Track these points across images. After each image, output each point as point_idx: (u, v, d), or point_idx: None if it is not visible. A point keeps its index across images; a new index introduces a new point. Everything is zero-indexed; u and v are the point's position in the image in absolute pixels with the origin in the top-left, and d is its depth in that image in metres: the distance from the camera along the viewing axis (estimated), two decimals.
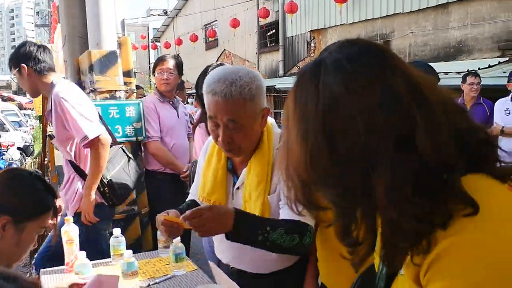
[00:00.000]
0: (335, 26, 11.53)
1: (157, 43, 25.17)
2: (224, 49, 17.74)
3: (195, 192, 2.02)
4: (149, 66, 32.12)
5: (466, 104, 5.80)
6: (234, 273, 1.87)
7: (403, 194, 0.74)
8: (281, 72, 13.84)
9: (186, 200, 2.06)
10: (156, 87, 4.00)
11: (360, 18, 10.63)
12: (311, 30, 12.44)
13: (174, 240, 2.22)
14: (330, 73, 0.79)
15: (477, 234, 0.71)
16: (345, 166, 0.78)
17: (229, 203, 1.84)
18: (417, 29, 9.24)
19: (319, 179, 0.81)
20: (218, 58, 17.97)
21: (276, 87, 11.92)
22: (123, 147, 3.23)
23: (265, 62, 14.91)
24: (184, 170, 3.90)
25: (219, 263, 1.98)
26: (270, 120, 1.84)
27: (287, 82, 12.01)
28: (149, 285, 2.18)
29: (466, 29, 8.26)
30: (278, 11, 13.67)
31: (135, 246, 2.49)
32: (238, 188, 1.83)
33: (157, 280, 2.21)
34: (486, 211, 0.72)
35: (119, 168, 3.05)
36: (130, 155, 3.23)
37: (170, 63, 3.88)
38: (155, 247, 2.71)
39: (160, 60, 3.93)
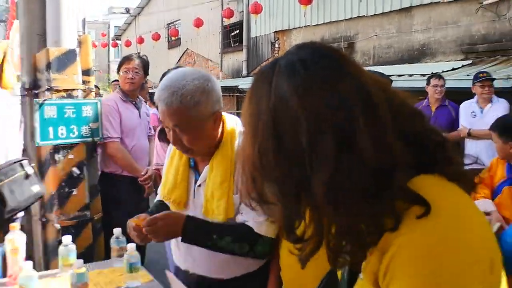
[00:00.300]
0: (299, 27, 11.45)
1: (118, 41, 24.58)
2: (187, 48, 17.41)
3: (159, 197, 2.00)
4: (108, 65, 31.49)
5: (431, 106, 5.76)
6: (193, 280, 1.84)
7: (341, 194, 0.76)
8: (244, 72, 13.67)
9: (155, 201, 2.00)
10: (120, 86, 3.85)
11: (325, 20, 10.58)
12: (276, 31, 12.33)
13: (128, 249, 2.04)
14: (282, 74, 0.82)
15: (424, 234, 0.73)
16: (290, 164, 0.80)
17: (190, 201, 1.83)
18: (381, 32, 9.26)
19: (266, 175, 0.84)
20: (181, 57, 17.66)
21: (239, 87, 11.72)
22: (22, 162, 2.90)
23: (229, 62, 14.70)
24: (142, 174, 3.76)
25: (177, 270, 1.93)
26: (235, 119, 1.85)
27: (250, 83, 11.82)
28: None
29: (430, 33, 8.31)
30: (242, 11, 13.51)
31: (86, 255, 2.29)
32: (199, 185, 1.81)
33: None
34: (436, 211, 0.74)
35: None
36: (30, 172, 2.89)
37: (136, 62, 3.78)
38: (108, 256, 2.48)
39: (126, 59, 3.80)
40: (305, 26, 11.21)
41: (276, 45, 12.38)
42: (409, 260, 0.73)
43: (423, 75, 6.84)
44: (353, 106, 0.78)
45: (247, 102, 0.88)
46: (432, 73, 6.42)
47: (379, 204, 0.76)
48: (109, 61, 31.94)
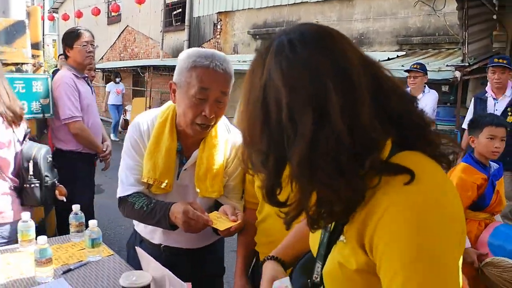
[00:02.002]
0: (242, 9, 11.30)
1: (55, 14, 23.18)
2: (127, 25, 16.71)
3: (135, 179, 1.80)
4: (43, 38, 29.70)
5: None
6: (166, 251, 1.88)
7: (315, 169, 0.82)
8: None
9: (131, 193, 1.79)
10: (70, 62, 3.58)
11: (268, 4, 10.51)
12: (219, 12, 12.09)
13: (90, 224, 1.95)
14: (273, 54, 0.87)
15: (409, 195, 0.80)
16: (272, 135, 0.86)
17: (174, 184, 1.80)
18: (323, 19, 9.30)
19: (253, 144, 0.90)
20: (120, 34, 16.95)
21: None
22: None
23: (170, 41, 14.26)
24: (104, 150, 3.67)
25: (146, 244, 1.91)
26: None
27: None
28: (64, 272, 1.83)
29: (369, 22, 8.46)
30: None
31: (38, 229, 2.13)
32: (185, 169, 1.81)
33: (71, 267, 1.87)
34: (419, 178, 0.81)
35: None
36: None
37: (89, 35, 3.58)
38: (59, 232, 2.33)
39: (78, 32, 3.55)
40: (248, 8, 11.08)
41: (219, 26, 12.15)
42: (397, 217, 0.80)
43: None
44: (329, 87, 0.81)
45: (246, 77, 0.93)
46: None
47: (350, 179, 0.82)
48: (44, 35, 30.13)
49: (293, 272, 1.23)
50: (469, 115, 4.85)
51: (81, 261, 1.93)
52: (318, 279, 1.01)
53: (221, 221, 1.65)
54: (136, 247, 1.66)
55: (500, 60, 4.72)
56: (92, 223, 1.95)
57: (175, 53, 13.99)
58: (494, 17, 6.30)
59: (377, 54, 7.69)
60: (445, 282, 0.78)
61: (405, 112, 0.90)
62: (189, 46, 13.21)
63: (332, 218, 0.90)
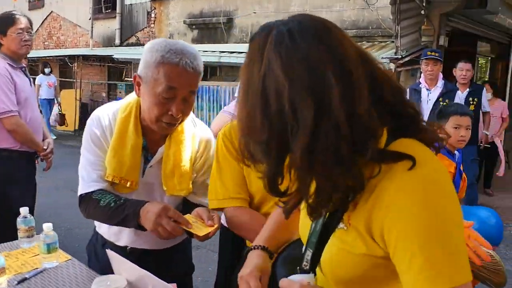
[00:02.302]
0: None
1: None
2: (52, 11, 15.81)
3: (98, 175, 1.70)
4: None
5: None
6: (132, 253, 1.79)
7: (317, 159, 0.83)
8: (117, 41, 12.86)
9: (93, 190, 1.69)
10: (4, 51, 3.19)
11: None
12: (152, 0, 11.76)
13: (45, 228, 1.79)
14: (272, 44, 0.86)
15: (414, 178, 0.85)
16: (273, 126, 0.86)
17: (139, 180, 1.73)
18: (260, 10, 9.32)
19: (254, 137, 0.89)
20: (44, 20, 16.02)
21: (114, 57, 11.00)
22: None
23: (100, 29, 13.67)
24: (44, 148, 3.33)
25: (110, 246, 1.78)
26: None
27: (126, 53, 11.20)
28: (18, 282, 1.67)
29: None
30: None
31: None
32: (151, 166, 1.75)
33: (26, 276, 1.71)
34: (419, 163, 0.86)
35: None
36: None
37: (25, 21, 3.19)
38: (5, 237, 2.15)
39: (13, 18, 3.16)
40: None
41: (153, 15, 11.83)
42: (406, 201, 0.84)
43: None
44: (329, 78, 0.83)
45: (244, 67, 0.92)
46: None
47: (350, 168, 0.85)
48: None
49: (275, 266, 1.25)
50: None
51: (36, 268, 1.77)
52: (308, 267, 1.01)
53: (197, 225, 1.57)
54: (106, 249, 1.56)
55: (433, 53, 5.03)
56: (47, 226, 1.79)
57: (106, 42, 13.47)
58: (422, 12, 6.60)
59: None
60: (459, 256, 0.83)
61: (398, 102, 0.94)
62: (121, 35, 12.78)
63: (333, 206, 0.92)
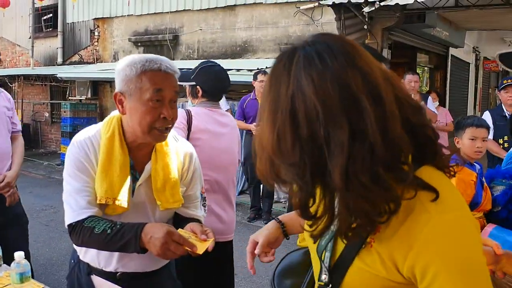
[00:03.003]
0: (122, 16, 10.84)
1: None
2: None
3: (87, 201, 1.63)
4: None
5: (258, 100, 5.99)
6: (122, 278, 1.75)
7: (354, 180, 0.83)
8: (59, 60, 12.42)
9: (86, 217, 1.60)
10: None
11: (149, 11, 10.19)
12: (95, 18, 11.47)
13: (16, 257, 1.75)
14: (301, 65, 0.85)
15: (441, 213, 0.86)
16: (306, 148, 0.85)
17: (130, 200, 1.68)
18: (206, 27, 9.30)
19: (284, 159, 0.88)
20: None
21: (58, 76, 10.62)
22: None
23: (41, 48, 13.18)
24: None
25: (96, 272, 1.75)
26: None
27: (70, 72, 10.86)
28: None
29: (251, 31, 8.64)
30: None
31: None
32: (140, 184, 1.72)
33: None
34: (442, 195, 0.87)
35: None
36: None
37: None
38: None
39: None
40: (128, 15, 10.67)
41: (96, 33, 11.53)
42: (434, 234, 0.85)
43: (250, 70, 7.08)
44: (363, 101, 0.83)
45: (267, 89, 0.90)
46: (258, 68, 6.68)
47: (386, 189, 0.84)
48: None
49: (273, 278, 1.33)
50: None
51: None
52: (327, 279, 1.02)
53: (193, 241, 1.55)
54: (92, 276, 1.56)
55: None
56: (19, 255, 1.75)
57: (48, 61, 13.01)
58: (365, 27, 6.82)
59: (262, 61, 7.88)
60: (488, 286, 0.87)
61: (419, 124, 0.93)
62: (63, 54, 12.37)
63: (367, 229, 0.91)
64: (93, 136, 1.70)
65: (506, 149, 4.22)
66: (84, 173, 1.65)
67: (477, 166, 2.97)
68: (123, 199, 1.64)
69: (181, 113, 2.26)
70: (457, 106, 12.00)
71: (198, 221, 1.79)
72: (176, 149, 1.80)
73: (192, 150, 1.89)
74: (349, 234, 0.92)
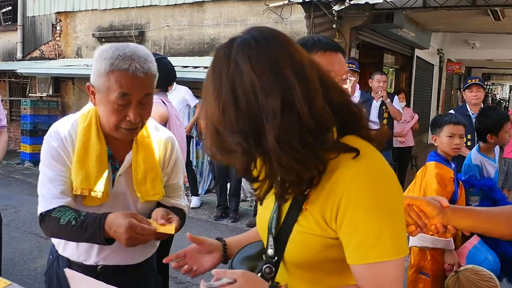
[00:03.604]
0: (85, 10, 10.50)
1: None
2: None
3: (60, 191, 1.59)
4: None
5: None
6: (103, 272, 1.71)
7: (286, 145, 0.97)
8: (19, 55, 11.94)
9: (55, 207, 1.56)
10: None
11: (114, 6, 9.90)
12: (58, 12, 11.06)
13: None
14: (239, 48, 1.00)
15: (362, 167, 1.02)
16: (246, 117, 0.98)
17: (108, 192, 1.65)
18: (173, 23, 9.11)
19: (227, 127, 1.00)
20: None
21: (18, 71, 10.21)
22: None
23: None
24: None
25: (76, 266, 1.69)
26: None
27: (31, 67, 10.46)
28: None
29: (220, 28, 8.51)
30: None
31: None
32: (120, 175, 1.69)
33: None
34: (363, 154, 1.04)
35: None
36: None
37: None
38: None
39: None
40: (92, 10, 10.34)
41: (58, 28, 11.14)
42: (356, 185, 1.01)
43: (206, 67, 6.96)
44: (291, 77, 0.98)
45: (210, 72, 1.04)
46: None
47: (313, 152, 1.00)
48: None
49: (233, 263, 1.34)
50: None
51: None
52: (273, 252, 1.13)
53: (158, 226, 1.53)
54: (65, 269, 1.51)
55: (351, 65, 5.12)
56: None
57: (6, 56, 12.52)
58: (334, 26, 6.81)
59: None
60: (403, 231, 1.04)
61: (344, 103, 1.09)
62: (23, 48, 11.92)
63: (298, 188, 1.05)
64: (71, 124, 1.67)
65: (469, 147, 4.27)
66: (59, 162, 1.62)
67: (453, 165, 2.99)
68: (99, 190, 1.60)
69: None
70: (421, 107, 12.23)
71: (180, 210, 1.79)
72: (157, 139, 1.77)
73: (173, 139, 1.85)
74: (285, 196, 1.07)
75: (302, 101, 0.97)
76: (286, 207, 1.12)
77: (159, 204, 1.77)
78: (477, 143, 4.59)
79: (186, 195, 2.02)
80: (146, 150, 1.71)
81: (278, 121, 0.96)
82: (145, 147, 1.71)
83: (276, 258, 1.13)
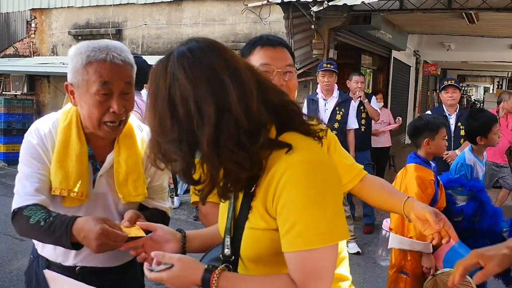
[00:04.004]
0: (61, 7, 10.32)
1: None
2: None
3: (35, 188, 1.55)
4: None
5: None
6: (82, 273, 1.67)
7: (221, 147, 1.02)
8: None
9: (28, 204, 1.52)
10: None
11: (91, 3, 9.77)
12: (32, 9, 10.85)
13: None
14: (175, 59, 1.06)
15: (294, 159, 1.06)
16: (182, 125, 1.04)
17: (89, 192, 1.62)
18: (151, 22, 9.04)
19: (165, 136, 1.06)
20: None
21: None
22: None
23: None
24: None
25: (54, 267, 1.66)
26: None
27: (4, 65, 10.21)
28: None
29: (198, 27, 8.48)
30: None
31: None
32: (101, 175, 1.66)
33: None
34: (296, 148, 1.08)
35: None
36: None
37: None
38: None
39: None
40: (68, 7, 10.18)
41: (33, 25, 10.92)
42: (288, 177, 1.04)
43: None
44: (227, 82, 1.04)
45: (150, 84, 1.09)
46: None
47: (249, 153, 1.05)
48: None
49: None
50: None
51: None
52: (229, 252, 1.17)
53: (128, 229, 1.47)
54: (44, 270, 1.50)
55: (329, 66, 5.15)
56: None
57: None
58: (312, 27, 6.85)
59: None
60: (336, 218, 1.06)
61: (281, 102, 1.14)
62: None
63: (238, 187, 1.11)
64: (52, 122, 1.64)
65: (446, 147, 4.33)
66: (37, 160, 1.58)
67: (433, 164, 2.99)
68: (79, 190, 1.57)
69: None
70: (398, 107, 12.38)
71: (163, 212, 1.78)
72: (141, 139, 1.72)
73: None
74: (227, 194, 1.12)
75: (238, 104, 1.03)
76: (238, 207, 1.16)
77: (141, 206, 1.74)
78: (453, 144, 4.71)
79: (170, 197, 2.00)
80: (129, 150, 1.67)
81: (213, 127, 1.01)
82: (127, 147, 1.67)
83: (233, 257, 1.16)
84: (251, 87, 1.06)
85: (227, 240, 1.17)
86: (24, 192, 1.54)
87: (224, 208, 1.24)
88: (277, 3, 6.62)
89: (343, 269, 1.41)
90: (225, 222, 1.20)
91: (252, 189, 1.12)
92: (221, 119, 1.01)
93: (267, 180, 1.08)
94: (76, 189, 1.57)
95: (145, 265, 1.14)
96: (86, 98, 1.52)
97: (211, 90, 1.02)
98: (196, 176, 1.10)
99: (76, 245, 1.44)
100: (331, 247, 1.04)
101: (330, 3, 6.21)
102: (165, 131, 1.05)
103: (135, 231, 1.46)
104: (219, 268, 1.09)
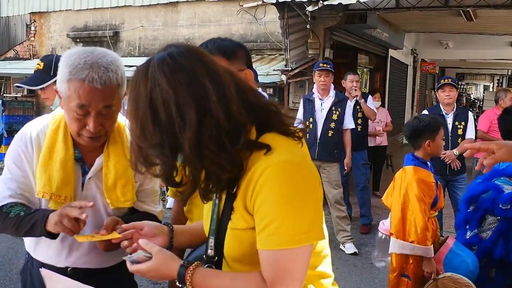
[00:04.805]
0: (60, 11, 10.18)
1: None
2: None
3: (9, 195, 1.58)
4: None
5: None
6: (74, 274, 1.62)
7: (206, 149, 1.04)
8: None
9: (5, 203, 1.56)
10: None
11: (89, 6, 9.63)
12: (32, 12, 10.71)
13: None
14: (155, 66, 1.06)
15: (272, 160, 1.07)
16: (164, 129, 1.05)
17: (78, 195, 1.62)
18: (148, 23, 8.88)
19: (147, 141, 1.07)
20: None
21: None
22: None
23: None
24: None
25: (42, 265, 1.64)
26: None
27: (4, 67, 10.11)
28: None
29: (194, 28, 8.31)
30: None
31: None
32: (90, 178, 1.64)
33: None
34: (275, 148, 1.09)
35: None
36: None
37: None
38: None
39: None
40: (66, 10, 10.03)
41: (33, 28, 10.78)
42: (265, 177, 1.05)
43: None
44: (207, 85, 1.04)
45: (130, 90, 1.08)
46: None
47: (231, 154, 1.05)
48: None
49: None
50: (300, 114, 5.08)
51: None
52: (213, 253, 1.17)
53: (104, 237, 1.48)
54: (40, 269, 1.52)
55: (325, 65, 4.96)
56: None
57: None
58: (308, 26, 6.64)
59: None
60: (312, 217, 1.06)
61: (260, 103, 1.15)
62: None
63: (220, 188, 1.10)
64: (42, 126, 1.63)
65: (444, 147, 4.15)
66: (17, 165, 1.59)
67: (429, 164, 2.91)
68: (62, 194, 1.56)
69: None
70: (395, 107, 12.16)
71: (153, 216, 1.72)
72: None
73: None
74: (209, 195, 1.13)
75: (219, 107, 1.03)
76: (221, 208, 1.16)
77: (132, 209, 1.72)
78: (451, 143, 4.51)
79: (162, 200, 1.84)
80: (118, 155, 1.63)
81: (194, 130, 1.01)
82: (116, 152, 1.63)
83: (216, 258, 1.17)
84: (231, 90, 1.07)
85: (211, 241, 1.17)
86: (2, 195, 1.57)
87: (208, 210, 1.23)
88: (272, 4, 6.42)
89: (325, 266, 1.33)
90: (209, 223, 1.20)
91: (234, 190, 1.11)
92: (203, 122, 1.01)
93: (246, 179, 1.08)
94: (59, 193, 1.57)
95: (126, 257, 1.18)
96: (67, 110, 1.51)
97: (192, 94, 1.02)
98: (178, 179, 1.11)
99: (51, 235, 1.48)
100: (304, 247, 1.04)
101: (325, 3, 6.00)
102: (147, 136, 1.05)
103: (111, 235, 1.46)
104: (193, 264, 1.11)
